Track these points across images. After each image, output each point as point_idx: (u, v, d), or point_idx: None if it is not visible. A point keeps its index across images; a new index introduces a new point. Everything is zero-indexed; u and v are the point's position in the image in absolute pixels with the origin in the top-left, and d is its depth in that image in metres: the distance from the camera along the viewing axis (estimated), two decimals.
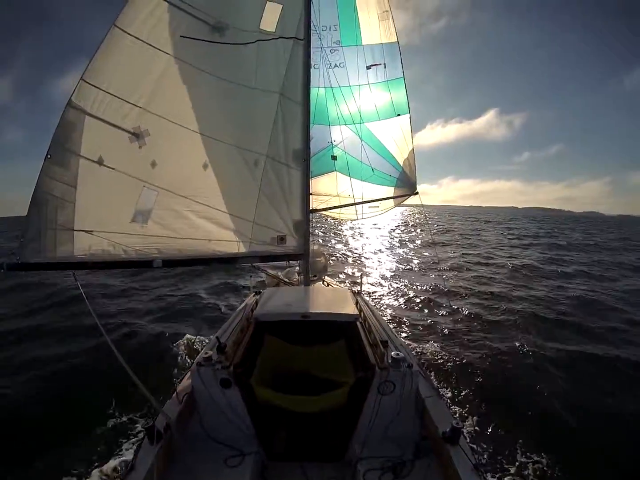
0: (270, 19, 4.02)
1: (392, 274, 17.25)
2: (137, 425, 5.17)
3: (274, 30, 4.08)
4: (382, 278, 16.16)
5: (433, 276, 16.86)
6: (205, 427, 3.34)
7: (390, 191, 7.23)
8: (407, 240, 33.50)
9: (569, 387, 6.81)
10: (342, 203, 6.98)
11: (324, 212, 6.86)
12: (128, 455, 4.47)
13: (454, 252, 25.41)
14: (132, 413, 5.32)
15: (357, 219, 7.32)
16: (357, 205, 6.84)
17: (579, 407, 6.06)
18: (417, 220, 67.74)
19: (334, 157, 6.87)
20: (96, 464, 4.47)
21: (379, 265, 19.98)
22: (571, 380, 7.04)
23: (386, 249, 27.29)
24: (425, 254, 24.57)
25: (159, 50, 3.44)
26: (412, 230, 44.58)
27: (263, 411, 3.43)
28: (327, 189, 7.12)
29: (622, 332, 9.90)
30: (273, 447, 3.48)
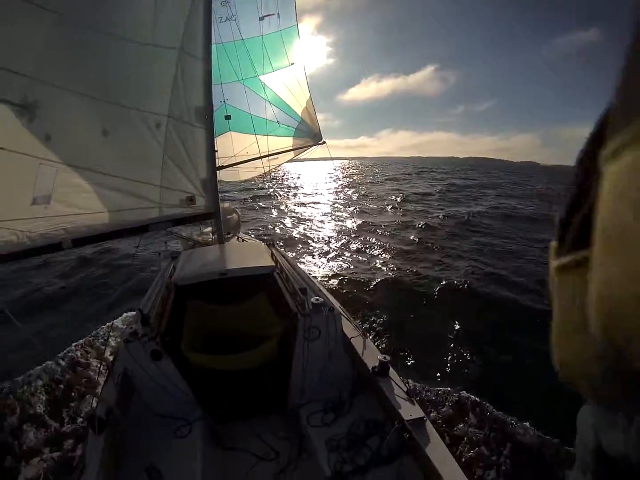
0: None
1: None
2: (78, 418, 4.71)
3: None
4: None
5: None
6: (147, 403, 3.24)
7: (290, 141, 7.33)
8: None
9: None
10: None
11: (227, 169, 6.74)
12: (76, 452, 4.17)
13: None
14: (69, 406, 4.88)
15: (261, 175, 7.36)
16: (260, 160, 6.80)
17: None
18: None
19: (228, 117, 6.65)
20: (43, 467, 4.10)
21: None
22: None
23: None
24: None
25: (42, 7, 2.95)
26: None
27: (200, 376, 3.37)
28: (223, 150, 6.89)
29: None
30: (218, 410, 3.44)
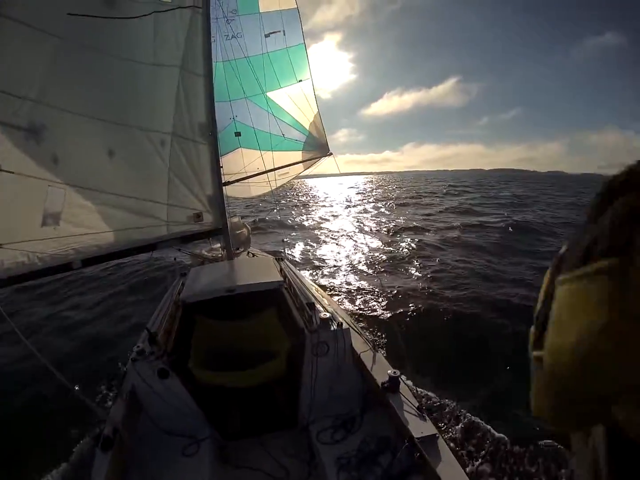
0: None
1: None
2: (85, 438, 4.57)
3: (170, 0, 3.76)
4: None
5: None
6: (155, 421, 3.20)
7: (299, 155, 7.40)
8: None
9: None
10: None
11: (235, 184, 6.78)
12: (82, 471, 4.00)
13: None
14: (78, 426, 4.72)
15: (274, 189, 7.42)
16: (268, 174, 6.84)
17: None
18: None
19: (238, 134, 6.72)
20: None
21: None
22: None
23: None
24: None
25: (46, 32, 3.04)
26: None
27: (208, 393, 3.35)
28: (234, 166, 7.04)
29: None
30: (227, 427, 3.42)
